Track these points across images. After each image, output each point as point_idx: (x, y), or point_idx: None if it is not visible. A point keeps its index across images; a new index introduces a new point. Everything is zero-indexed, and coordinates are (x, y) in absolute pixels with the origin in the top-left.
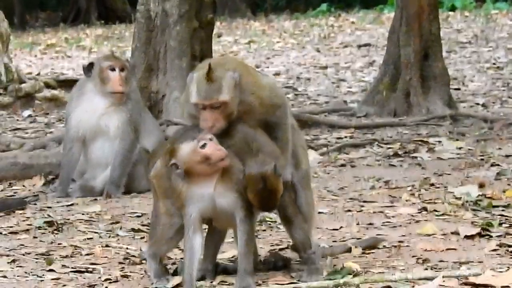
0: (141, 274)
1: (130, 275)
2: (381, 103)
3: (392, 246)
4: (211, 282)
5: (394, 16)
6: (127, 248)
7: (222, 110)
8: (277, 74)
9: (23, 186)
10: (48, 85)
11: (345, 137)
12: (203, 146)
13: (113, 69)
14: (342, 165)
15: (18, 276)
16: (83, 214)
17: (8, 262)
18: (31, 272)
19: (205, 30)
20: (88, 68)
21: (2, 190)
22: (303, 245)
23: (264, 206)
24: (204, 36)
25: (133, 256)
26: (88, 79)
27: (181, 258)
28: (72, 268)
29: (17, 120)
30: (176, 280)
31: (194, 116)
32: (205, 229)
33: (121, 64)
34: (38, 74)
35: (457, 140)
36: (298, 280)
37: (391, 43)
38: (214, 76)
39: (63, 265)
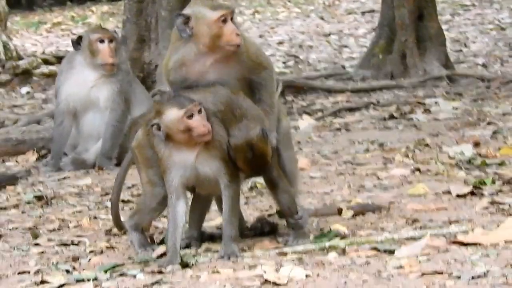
0: (127, 245)
1: (115, 246)
2: (378, 66)
3: (383, 207)
4: (196, 249)
5: None
6: None
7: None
8: (280, 43)
9: (16, 161)
10: (47, 62)
11: (341, 101)
12: (190, 117)
13: (102, 41)
14: (337, 129)
15: (2, 251)
16: (73, 187)
17: None
18: (17, 246)
19: None
20: (77, 41)
21: None
22: (290, 210)
23: (254, 171)
24: None
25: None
26: (77, 52)
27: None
28: (58, 241)
29: (15, 97)
30: (161, 249)
31: (180, 80)
32: (189, 197)
33: (109, 36)
34: (43, 53)
35: (453, 100)
36: (284, 245)
37: (386, 5)
38: None
39: (49, 239)
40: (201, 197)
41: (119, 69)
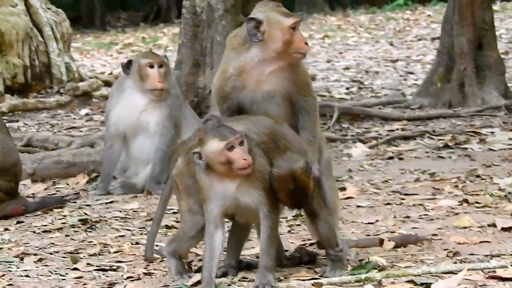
0: (165, 271)
1: (153, 273)
2: (436, 94)
3: (425, 239)
4: (232, 278)
5: (447, 5)
6: (156, 245)
7: None
8: (346, 68)
9: (67, 184)
10: (108, 84)
11: (397, 129)
12: (231, 149)
13: (151, 66)
14: (390, 158)
15: (41, 275)
16: (120, 211)
17: (34, 261)
18: (55, 271)
19: None
20: (127, 66)
21: (45, 189)
22: (329, 242)
23: (295, 204)
24: None
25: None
26: (127, 76)
27: None
28: (96, 266)
29: (74, 118)
30: (197, 277)
31: (237, 88)
32: (227, 224)
33: (159, 61)
34: (110, 74)
35: (510, 130)
36: (321, 276)
37: (445, 33)
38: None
39: (88, 264)
40: (240, 225)
41: (169, 94)
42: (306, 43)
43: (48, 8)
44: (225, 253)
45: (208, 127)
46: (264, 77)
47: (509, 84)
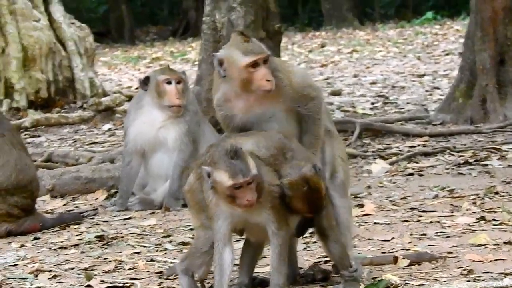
0: None
1: None
2: (458, 111)
3: (439, 257)
4: None
5: (469, 21)
6: (171, 262)
7: (268, 66)
8: (373, 83)
9: (85, 200)
10: (131, 99)
11: (418, 145)
12: (237, 188)
13: (169, 82)
14: (410, 174)
15: None
16: (137, 227)
17: (48, 278)
18: None
19: (272, 39)
20: (145, 82)
21: (64, 205)
22: (342, 261)
23: (312, 208)
24: (272, 46)
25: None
26: (145, 92)
27: None
28: (110, 283)
29: (96, 133)
30: None
31: (227, 117)
32: (237, 240)
33: (177, 77)
34: (136, 88)
35: None
36: None
37: (467, 48)
38: (251, 39)
39: (101, 281)
40: (253, 242)
41: (187, 110)
42: (269, 80)
43: (72, 23)
44: (237, 270)
45: (224, 152)
46: (250, 103)
47: None
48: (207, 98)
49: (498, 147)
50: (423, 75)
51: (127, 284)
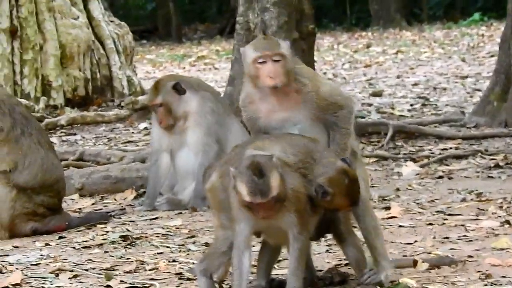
0: None
1: None
2: (492, 114)
3: (459, 261)
4: None
5: (506, 24)
6: (193, 263)
7: (282, 65)
8: (415, 84)
9: (114, 199)
10: None
11: (450, 148)
12: (253, 204)
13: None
14: (440, 177)
15: None
16: (162, 228)
17: (69, 278)
18: None
19: (306, 41)
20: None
21: (93, 204)
22: (358, 266)
23: (354, 200)
24: (306, 47)
25: None
26: None
27: None
28: (129, 284)
29: (132, 132)
30: None
31: (251, 119)
32: (258, 242)
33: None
34: None
35: None
36: None
37: (503, 51)
38: (269, 37)
39: (121, 281)
40: (271, 245)
41: (207, 113)
42: (272, 77)
43: (111, 21)
44: (254, 272)
45: (249, 165)
46: (274, 106)
47: None
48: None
49: None
50: (466, 77)
51: (146, 285)
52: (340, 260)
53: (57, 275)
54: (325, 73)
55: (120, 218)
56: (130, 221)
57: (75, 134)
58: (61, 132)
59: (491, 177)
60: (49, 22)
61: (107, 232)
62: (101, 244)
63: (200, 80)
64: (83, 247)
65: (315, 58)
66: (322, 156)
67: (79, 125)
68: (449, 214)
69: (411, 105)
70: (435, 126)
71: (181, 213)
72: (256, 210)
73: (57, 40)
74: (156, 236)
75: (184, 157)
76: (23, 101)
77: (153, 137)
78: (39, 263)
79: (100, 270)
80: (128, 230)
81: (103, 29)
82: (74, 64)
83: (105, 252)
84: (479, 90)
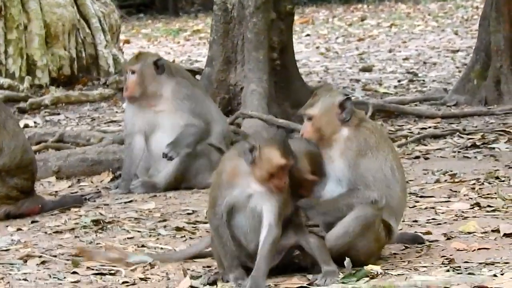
0: (162, 277)
1: (150, 278)
2: (472, 92)
3: (425, 245)
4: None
5: (485, 2)
6: (161, 249)
7: (312, 123)
8: (406, 58)
9: (91, 182)
10: None
11: (430, 127)
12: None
13: (126, 72)
14: (416, 157)
15: (39, 278)
16: (136, 211)
17: (37, 264)
18: (54, 274)
19: (284, 21)
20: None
21: (69, 187)
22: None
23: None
24: (284, 27)
25: None
26: None
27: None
28: (96, 270)
29: (116, 112)
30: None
31: None
32: None
33: (130, 68)
34: (173, 62)
35: None
36: (310, 284)
37: (483, 29)
38: (317, 95)
39: (88, 267)
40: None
41: (183, 99)
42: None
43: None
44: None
45: (277, 133)
46: None
47: None
48: (218, 79)
49: (508, 129)
50: (457, 51)
51: (112, 272)
52: None
53: (25, 261)
54: (318, 48)
55: (94, 201)
56: (105, 205)
57: (58, 114)
58: (45, 112)
59: (467, 157)
60: (34, 1)
61: (80, 216)
62: (73, 229)
63: (180, 67)
64: (54, 232)
65: (308, 32)
66: None
67: (63, 104)
68: (421, 196)
69: (399, 81)
70: (416, 105)
71: (155, 196)
72: (280, 178)
73: (41, 19)
74: (128, 220)
75: (158, 140)
76: (8, 81)
77: (126, 119)
78: (9, 249)
79: (69, 255)
80: (101, 214)
81: (88, 7)
82: (59, 43)
83: (76, 237)
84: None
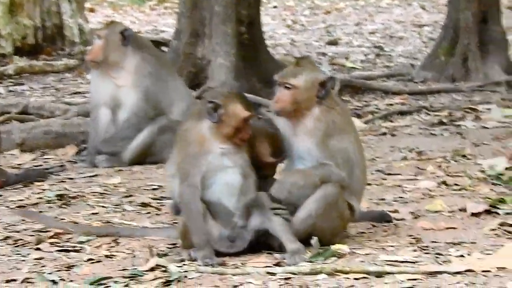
0: (127, 254)
1: (115, 255)
2: (440, 68)
3: (392, 224)
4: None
5: None
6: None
7: (292, 94)
8: (372, 32)
9: (55, 155)
10: None
11: (397, 103)
12: (246, 121)
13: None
14: (383, 134)
15: (2, 255)
16: (100, 186)
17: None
18: (18, 251)
19: None
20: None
21: (33, 160)
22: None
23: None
24: (252, 1)
25: None
26: None
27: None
28: (60, 247)
29: (81, 83)
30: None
31: None
32: None
33: (98, 34)
34: (138, 32)
35: (508, 107)
36: (277, 264)
37: (452, 6)
38: (300, 65)
39: (52, 243)
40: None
41: (144, 76)
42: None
43: None
44: None
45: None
46: None
47: None
48: (185, 52)
49: (474, 107)
50: (424, 25)
51: (77, 248)
52: None
53: None
54: (284, 20)
55: (59, 175)
56: (69, 179)
57: (22, 84)
58: (9, 82)
59: (434, 134)
60: None
61: (44, 190)
62: (37, 204)
63: (149, 43)
64: (18, 206)
65: (275, 4)
66: None
67: (27, 74)
68: (388, 174)
69: (366, 55)
70: (383, 81)
71: (121, 170)
72: (244, 131)
73: None
74: (93, 195)
75: (122, 115)
76: None
77: (91, 91)
78: None
79: (33, 231)
80: (66, 189)
81: None
82: (24, 12)
83: (40, 212)
84: (434, 39)
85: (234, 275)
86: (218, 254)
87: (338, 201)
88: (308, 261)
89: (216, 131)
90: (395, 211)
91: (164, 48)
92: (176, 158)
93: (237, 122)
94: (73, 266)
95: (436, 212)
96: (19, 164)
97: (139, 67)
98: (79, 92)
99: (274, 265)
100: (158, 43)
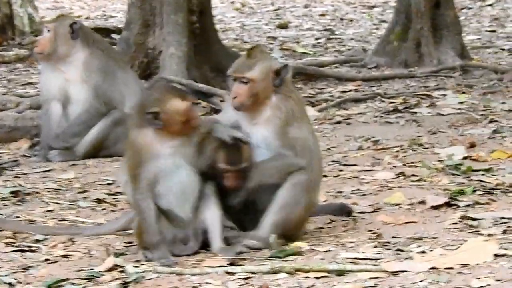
0: (83, 254)
1: (71, 255)
2: (392, 54)
3: (351, 219)
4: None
5: None
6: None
7: (249, 87)
8: (322, 15)
9: (8, 149)
10: None
11: (350, 90)
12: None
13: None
14: (338, 122)
15: None
16: (55, 182)
17: None
18: None
19: None
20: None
21: None
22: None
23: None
24: None
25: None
26: None
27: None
28: (16, 246)
29: (32, 73)
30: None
31: None
32: None
33: (49, 26)
34: (87, 18)
35: (463, 93)
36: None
37: None
38: (252, 57)
39: (7, 243)
40: None
41: (92, 72)
42: None
43: None
44: None
45: (167, 84)
46: None
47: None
48: (136, 42)
49: (429, 93)
50: (373, 7)
51: (33, 248)
52: None
53: None
54: (233, 2)
55: (12, 170)
56: (23, 174)
57: None
58: None
59: (389, 122)
60: None
61: None
62: None
63: (98, 36)
64: None
65: None
66: None
67: None
68: (345, 165)
69: (316, 39)
70: (336, 67)
71: (74, 164)
72: (194, 116)
73: None
74: (48, 191)
75: (74, 107)
76: None
77: (41, 85)
78: None
79: None
80: (20, 185)
81: None
82: None
83: None
84: (385, 21)
85: (192, 275)
86: (173, 256)
87: (309, 188)
88: (266, 259)
89: (164, 133)
90: (354, 203)
91: (115, 36)
92: (126, 167)
93: (181, 116)
94: (29, 267)
95: (395, 205)
96: None
97: (88, 62)
98: (31, 83)
99: (229, 264)
100: (108, 31)
